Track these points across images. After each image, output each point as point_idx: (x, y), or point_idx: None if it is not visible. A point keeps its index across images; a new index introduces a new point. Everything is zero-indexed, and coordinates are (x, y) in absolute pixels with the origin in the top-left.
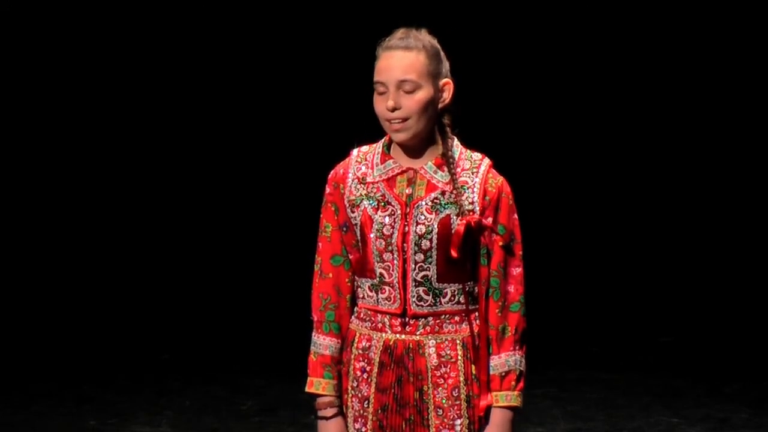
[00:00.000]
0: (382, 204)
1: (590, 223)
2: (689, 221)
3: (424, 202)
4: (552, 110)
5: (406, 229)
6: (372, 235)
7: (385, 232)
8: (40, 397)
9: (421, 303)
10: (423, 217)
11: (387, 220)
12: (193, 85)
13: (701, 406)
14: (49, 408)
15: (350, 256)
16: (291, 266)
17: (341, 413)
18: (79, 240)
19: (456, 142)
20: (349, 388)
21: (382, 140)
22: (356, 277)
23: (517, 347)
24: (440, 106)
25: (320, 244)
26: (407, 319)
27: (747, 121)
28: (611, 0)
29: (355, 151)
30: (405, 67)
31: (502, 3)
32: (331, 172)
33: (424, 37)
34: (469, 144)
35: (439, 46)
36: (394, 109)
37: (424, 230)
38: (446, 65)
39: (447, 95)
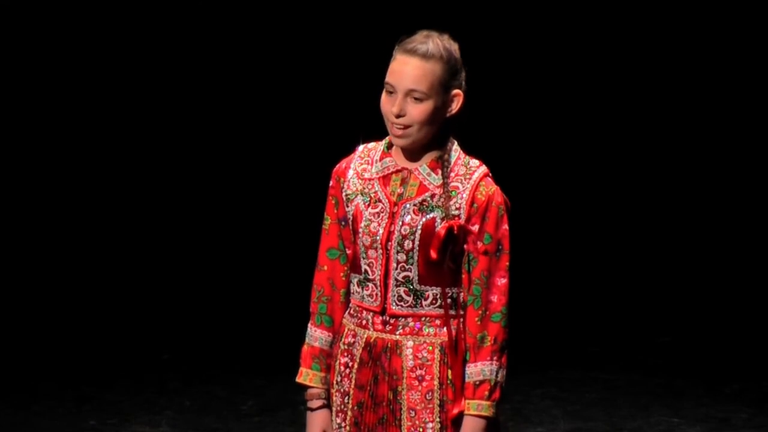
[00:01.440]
0: (374, 201)
1: (589, 223)
2: (688, 221)
3: (411, 203)
4: (551, 109)
5: (392, 228)
6: (360, 231)
7: (372, 229)
8: (40, 397)
9: (401, 303)
10: (408, 218)
11: (375, 217)
12: (193, 85)
13: (701, 406)
14: (49, 408)
15: (347, 251)
16: (291, 266)
17: (328, 405)
18: (79, 240)
19: (455, 146)
20: (334, 382)
21: (386, 138)
22: (351, 273)
23: (495, 357)
24: (447, 116)
25: (321, 235)
26: (387, 317)
27: (747, 121)
28: (611, 1)
29: (360, 147)
30: (418, 77)
31: (500, 5)
32: (336, 165)
33: (445, 44)
34: (467, 147)
35: (458, 56)
36: (399, 115)
37: (408, 231)
38: (461, 75)
39: (455, 106)
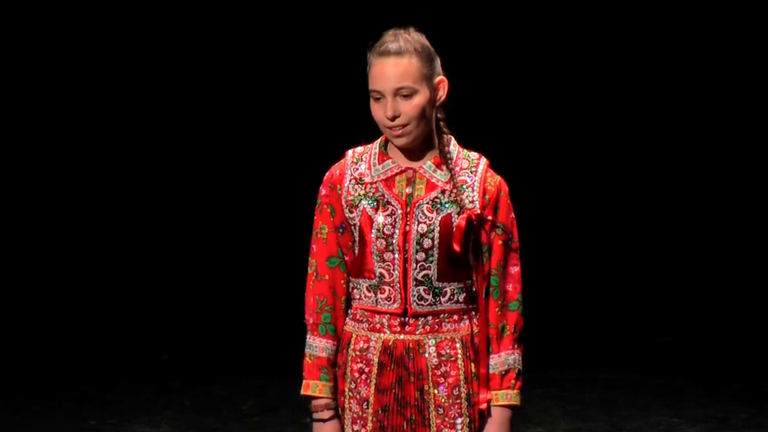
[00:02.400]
0: (382, 204)
1: (589, 223)
2: (688, 221)
3: (424, 201)
4: (551, 110)
5: (407, 228)
6: (372, 236)
7: (386, 231)
8: (40, 397)
9: (422, 302)
10: (424, 216)
11: (387, 220)
12: (191, 87)
13: (701, 406)
14: (49, 408)
15: (346, 258)
16: (291, 266)
17: (337, 415)
18: (79, 240)
19: (453, 141)
20: (347, 390)
21: (378, 140)
22: (352, 279)
23: (516, 346)
24: (437, 104)
25: (315, 246)
26: (407, 318)
27: (747, 121)
28: (611, 0)
29: (350, 152)
30: (400, 74)
31: (500, 4)
32: (327, 173)
33: (414, 37)
34: (467, 143)
35: (428, 44)
36: (394, 117)
37: (425, 229)
38: (438, 62)
39: (442, 93)
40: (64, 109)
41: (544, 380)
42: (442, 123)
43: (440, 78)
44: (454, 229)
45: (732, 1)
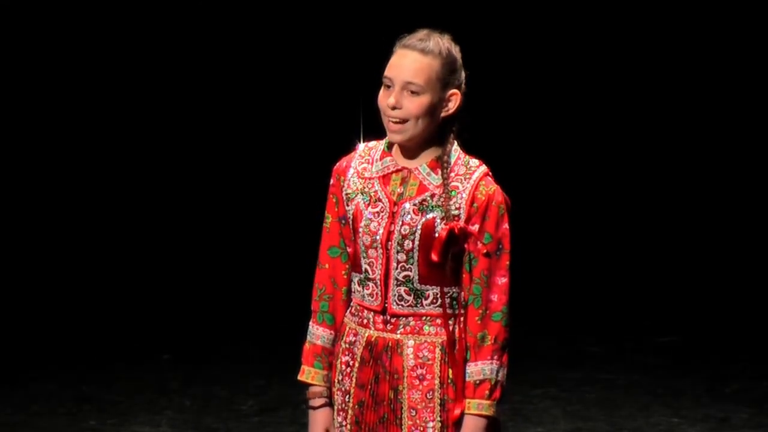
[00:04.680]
0: (374, 200)
1: (590, 222)
2: (689, 221)
3: (411, 203)
4: (551, 108)
5: (392, 227)
6: (360, 230)
7: (372, 228)
8: (40, 397)
9: (402, 303)
10: (408, 218)
11: (375, 216)
12: (193, 82)
13: (701, 406)
14: (49, 408)
15: (348, 249)
16: (291, 266)
17: (330, 404)
18: (79, 239)
19: (455, 146)
20: (336, 381)
21: (386, 137)
22: (352, 272)
23: (496, 357)
24: (443, 114)
25: (322, 234)
26: (388, 317)
27: (747, 120)
28: (611, 0)
29: (361, 146)
30: (416, 70)
31: (502, 4)
32: (336, 164)
33: (445, 43)
34: (468, 147)
35: (457, 56)
36: (394, 108)
37: (407, 230)
38: (460, 76)
39: (452, 106)
40: (64, 109)
41: (544, 380)
42: (452, 134)
43: (454, 91)
44: (435, 238)
45: (732, 1)
